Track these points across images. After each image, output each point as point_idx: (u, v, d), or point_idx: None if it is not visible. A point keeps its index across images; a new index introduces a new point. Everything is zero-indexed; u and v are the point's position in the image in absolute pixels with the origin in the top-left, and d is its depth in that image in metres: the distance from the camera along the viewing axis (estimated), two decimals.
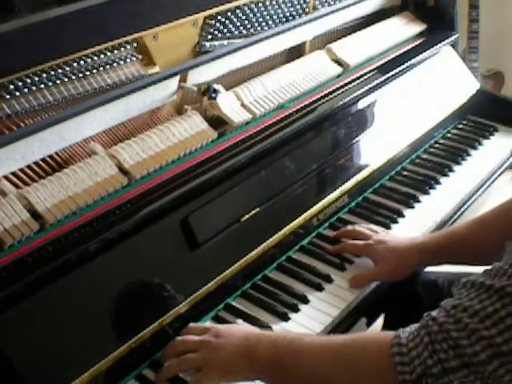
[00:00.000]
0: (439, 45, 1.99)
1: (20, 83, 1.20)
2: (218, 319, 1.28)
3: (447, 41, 2.02)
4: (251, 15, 1.64)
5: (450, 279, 1.48)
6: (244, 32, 1.63)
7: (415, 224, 1.55)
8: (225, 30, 1.58)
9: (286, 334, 1.13)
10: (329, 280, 1.38)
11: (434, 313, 0.95)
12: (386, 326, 1.62)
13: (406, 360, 0.93)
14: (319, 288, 1.35)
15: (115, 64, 1.36)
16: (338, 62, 1.76)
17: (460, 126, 2.01)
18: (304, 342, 1.06)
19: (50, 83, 1.25)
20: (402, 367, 0.93)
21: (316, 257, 1.44)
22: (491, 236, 1.31)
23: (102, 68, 1.34)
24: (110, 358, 1.11)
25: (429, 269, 1.53)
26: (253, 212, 1.38)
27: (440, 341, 0.91)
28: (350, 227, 1.50)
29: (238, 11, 1.60)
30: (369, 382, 1.00)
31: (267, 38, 1.59)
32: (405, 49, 1.96)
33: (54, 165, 1.26)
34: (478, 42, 3.31)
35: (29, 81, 1.21)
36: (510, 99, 2.10)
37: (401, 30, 2.00)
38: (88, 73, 1.31)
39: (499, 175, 1.82)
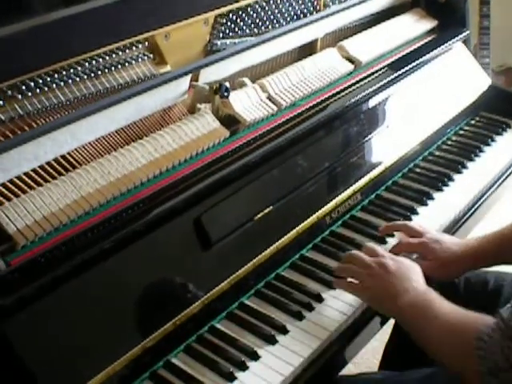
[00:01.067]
0: (451, 41, 1.98)
1: (32, 83, 1.21)
2: (233, 318, 1.28)
3: (459, 37, 2.01)
4: (262, 13, 1.64)
5: (467, 277, 1.48)
6: (255, 30, 1.63)
7: (429, 221, 1.54)
8: (236, 29, 1.58)
9: (426, 297, 1.19)
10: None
11: (504, 312, 1.03)
12: (397, 326, 1.61)
13: (483, 354, 1.02)
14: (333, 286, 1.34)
15: (127, 63, 1.36)
16: (350, 59, 1.75)
17: (472, 123, 2.00)
18: (431, 311, 1.15)
19: (62, 83, 1.25)
20: (480, 360, 1.02)
21: (329, 255, 1.44)
22: None
23: (113, 68, 1.34)
24: (123, 358, 1.11)
25: None
26: (266, 210, 1.38)
27: (506, 338, 1.00)
28: (399, 222, 1.50)
29: (248, 9, 1.60)
30: (456, 362, 1.10)
31: (278, 35, 1.58)
32: (416, 46, 1.95)
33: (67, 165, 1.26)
34: (489, 38, 3.29)
35: (41, 81, 1.22)
36: None
37: (412, 26, 1.99)
38: (100, 72, 1.32)
39: None
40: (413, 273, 1.27)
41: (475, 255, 1.38)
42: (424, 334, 1.16)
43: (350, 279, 1.31)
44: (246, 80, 1.53)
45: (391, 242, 1.48)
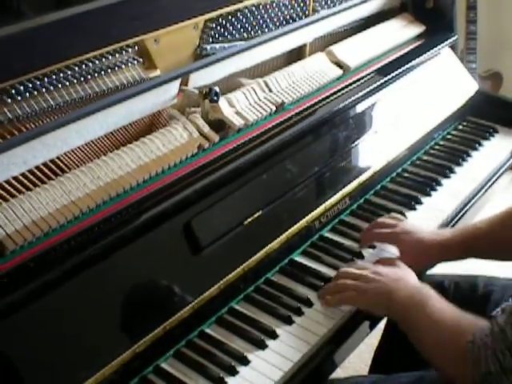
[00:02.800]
0: (438, 46, 1.99)
1: (21, 87, 1.20)
2: (222, 322, 1.28)
3: (446, 42, 2.02)
4: (252, 18, 1.64)
5: (456, 281, 1.49)
6: (244, 35, 1.63)
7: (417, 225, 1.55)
8: (225, 33, 1.58)
9: (422, 293, 1.20)
10: None
11: (499, 317, 1.03)
12: (388, 329, 1.62)
13: (475, 357, 1.02)
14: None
15: (116, 68, 1.36)
16: (339, 64, 1.76)
17: (460, 128, 2.02)
18: (426, 309, 1.16)
19: (52, 87, 1.25)
20: (472, 363, 1.02)
21: (319, 259, 1.44)
22: None
23: (103, 72, 1.33)
24: (113, 363, 1.10)
25: (434, 271, 1.53)
26: (255, 215, 1.38)
27: (499, 342, 1.00)
28: (372, 223, 1.51)
29: (238, 14, 1.60)
30: (448, 362, 1.10)
31: (268, 40, 1.59)
32: (404, 51, 1.96)
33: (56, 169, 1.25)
34: (476, 43, 3.31)
35: (30, 85, 1.21)
36: (509, 100, 2.10)
37: (400, 31, 2.00)
38: (89, 76, 1.31)
39: (500, 176, 1.82)
40: (407, 273, 1.29)
41: (443, 246, 1.39)
42: (419, 330, 1.16)
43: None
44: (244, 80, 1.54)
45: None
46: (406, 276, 1.28)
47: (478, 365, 1.01)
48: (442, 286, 1.48)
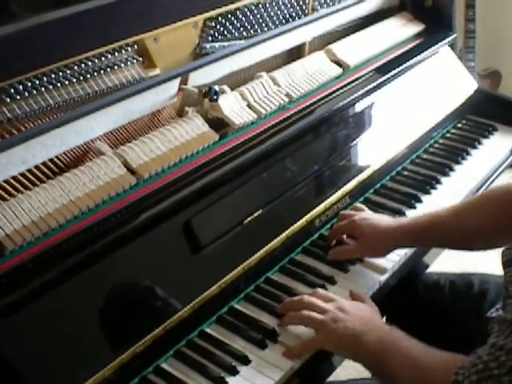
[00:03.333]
0: (437, 45, 1.98)
1: (21, 86, 1.19)
2: (222, 322, 1.27)
3: (445, 41, 2.02)
4: (251, 17, 1.63)
5: (452, 279, 1.49)
6: (244, 33, 1.63)
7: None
8: (225, 32, 1.58)
9: (391, 334, 1.16)
10: (332, 281, 1.37)
11: (480, 351, 0.97)
12: None
13: None
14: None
15: (116, 67, 1.35)
16: (338, 62, 1.75)
17: (459, 126, 2.01)
18: (400, 350, 1.12)
19: (51, 86, 1.24)
20: None
21: (319, 258, 1.44)
22: (473, 221, 1.33)
23: (102, 71, 1.33)
24: (113, 363, 1.10)
25: (430, 269, 1.53)
26: (255, 214, 1.37)
27: (486, 378, 0.94)
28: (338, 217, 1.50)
29: (238, 13, 1.60)
30: None
31: (267, 39, 1.58)
32: (403, 49, 1.95)
33: (55, 168, 1.25)
34: (475, 42, 3.31)
35: (29, 84, 1.21)
36: (508, 98, 2.09)
37: (399, 30, 1.99)
38: (89, 75, 1.31)
39: (499, 174, 1.82)
40: (373, 313, 1.25)
41: (398, 231, 1.38)
42: (392, 370, 1.11)
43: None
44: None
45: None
46: (372, 317, 1.23)
47: None
48: (437, 284, 1.48)
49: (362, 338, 1.15)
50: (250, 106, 1.49)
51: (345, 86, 1.71)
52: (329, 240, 1.47)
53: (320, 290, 1.29)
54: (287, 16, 1.74)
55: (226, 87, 1.49)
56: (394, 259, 1.43)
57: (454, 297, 1.48)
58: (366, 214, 1.45)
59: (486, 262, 1.48)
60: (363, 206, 1.53)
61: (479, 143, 1.92)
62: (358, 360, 1.17)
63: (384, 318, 1.53)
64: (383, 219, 1.43)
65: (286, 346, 1.22)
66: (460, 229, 1.34)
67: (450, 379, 0.98)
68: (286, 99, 1.55)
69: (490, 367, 0.94)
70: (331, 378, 1.32)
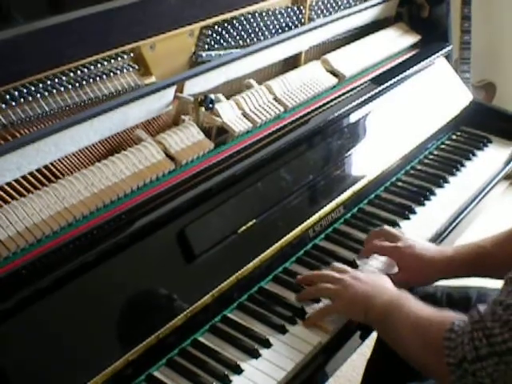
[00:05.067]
0: (433, 56, 1.99)
1: (16, 93, 1.19)
2: (215, 331, 1.27)
3: (441, 52, 2.03)
4: (247, 25, 1.64)
5: (448, 292, 1.48)
6: (240, 42, 1.63)
7: (411, 235, 1.54)
8: (221, 40, 1.58)
9: (400, 298, 1.22)
10: None
11: (480, 306, 1.04)
12: (378, 342, 1.61)
13: (452, 345, 1.04)
14: (316, 300, 1.34)
15: (112, 74, 1.35)
16: (334, 72, 1.76)
17: (454, 137, 2.02)
18: (404, 310, 1.18)
19: (46, 93, 1.24)
20: (449, 351, 1.04)
21: (312, 268, 1.43)
22: None
23: (98, 78, 1.33)
24: (106, 371, 1.10)
25: None
26: (249, 224, 1.37)
27: (477, 329, 1.01)
28: (377, 230, 1.51)
29: (234, 21, 1.60)
30: (428, 356, 1.10)
31: (263, 48, 1.58)
32: (399, 60, 1.97)
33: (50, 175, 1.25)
34: (470, 53, 3.32)
35: (25, 90, 1.21)
36: (503, 110, 2.10)
37: (395, 41, 2.00)
38: (84, 82, 1.31)
39: (494, 186, 1.82)
40: (383, 280, 1.30)
41: (444, 264, 1.39)
42: (397, 333, 1.18)
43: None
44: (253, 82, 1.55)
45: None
46: (383, 282, 1.29)
47: (455, 352, 1.02)
48: (434, 296, 1.48)
49: (372, 300, 1.23)
50: (245, 114, 1.49)
51: (340, 96, 1.71)
52: (363, 253, 1.48)
53: (336, 263, 1.39)
54: (283, 25, 1.74)
55: (221, 96, 1.49)
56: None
57: (451, 310, 1.47)
58: (409, 241, 1.44)
59: None
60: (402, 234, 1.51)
61: (474, 155, 1.92)
62: (368, 321, 1.25)
63: None
64: (427, 249, 1.42)
65: (279, 354, 1.22)
66: (505, 260, 1.34)
67: (445, 328, 1.05)
68: (280, 109, 1.55)
69: (484, 319, 1.01)
70: None
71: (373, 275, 1.33)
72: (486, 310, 1.03)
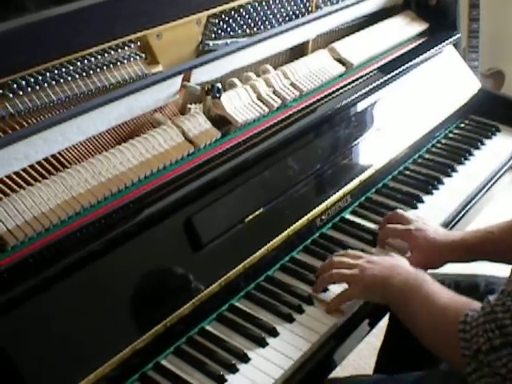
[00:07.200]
0: (441, 44, 1.98)
1: (23, 82, 1.20)
2: (223, 320, 1.27)
3: (449, 40, 2.02)
4: (254, 14, 1.63)
5: (456, 280, 1.48)
6: (247, 31, 1.63)
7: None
8: (228, 29, 1.58)
9: (417, 277, 1.22)
10: None
11: (491, 297, 1.05)
12: (390, 329, 1.61)
13: (467, 337, 1.04)
14: (324, 289, 1.34)
15: (119, 63, 1.35)
16: (341, 61, 1.75)
17: (462, 126, 2.01)
18: (420, 294, 1.18)
19: (54, 82, 1.25)
20: (464, 343, 1.04)
21: (319, 257, 1.43)
22: None
23: (105, 67, 1.33)
24: (113, 360, 1.10)
25: (435, 270, 1.52)
26: (256, 213, 1.37)
27: (490, 321, 1.01)
28: (391, 213, 1.53)
29: (241, 10, 1.60)
30: (443, 346, 1.12)
31: (270, 36, 1.58)
32: (407, 48, 1.95)
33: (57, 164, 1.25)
34: (479, 41, 3.31)
35: (32, 80, 1.21)
36: (511, 99, 2.09)
37: (403, 29, 1.99)
38: (91, 72, 1.31)
39: (502, 175, 1.82)
40: (399, 260, 1.31)
41: (456, 247, 1.40)
42: (413, 313, 1.18)
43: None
44: (236, 80, 1.53)
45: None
46: (399, 262, 1.30)
47: (469, 343, 1.03)
48: (442, 285, 1.47)
49: (389, 280, 1.24)
50: (260, 98, 1.50)
51: (347, 84, 1.70)
52: (379, 238, 1.49)
53: (350, 250, 1.39)
54: (290, 14, 1.74)
55: (236, 80, 1.49)
56: None
57: None
58: (421, 224, 1.45)
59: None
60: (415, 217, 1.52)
61: (482, 144, 1.91)
62: (385, 301, 1.25)
63: (387, 317, 1.53)
64: (438, 233, 1.44)
65: (286, 342, 1.22)
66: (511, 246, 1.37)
67: (459, 320, 1.05)
68: (288, 97, 1.55)
69: (495, 310, 1.01)
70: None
71: (388, 257, 1.33)
72: (497, 301, 1.03)
